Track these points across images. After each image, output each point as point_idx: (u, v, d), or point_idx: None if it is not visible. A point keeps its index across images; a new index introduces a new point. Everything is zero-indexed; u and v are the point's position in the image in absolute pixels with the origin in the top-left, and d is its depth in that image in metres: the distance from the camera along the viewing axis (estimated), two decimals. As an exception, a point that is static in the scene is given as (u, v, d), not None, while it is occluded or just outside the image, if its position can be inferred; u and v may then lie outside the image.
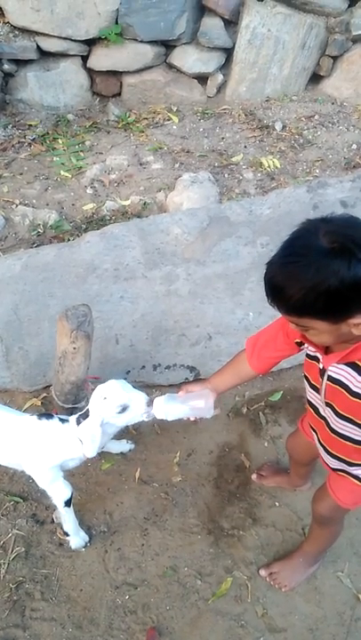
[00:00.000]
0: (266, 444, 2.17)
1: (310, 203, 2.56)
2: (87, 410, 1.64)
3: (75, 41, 3.56)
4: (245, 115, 3.73)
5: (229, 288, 2.44)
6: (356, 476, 1.42)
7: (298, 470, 1.91)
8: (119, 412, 1.58)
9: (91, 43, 3.62)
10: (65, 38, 3.53)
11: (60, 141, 3.54)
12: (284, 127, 3.62)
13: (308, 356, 1.33)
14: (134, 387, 1.63)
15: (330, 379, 1.25)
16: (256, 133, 3.59)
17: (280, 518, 1.94)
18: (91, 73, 3.76)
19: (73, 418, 1.68)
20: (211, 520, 1.93)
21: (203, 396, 1.48)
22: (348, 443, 1.34)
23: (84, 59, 3.70)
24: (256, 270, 2.44)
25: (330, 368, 1.23)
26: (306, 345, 1.29)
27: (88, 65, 3.70)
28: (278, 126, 3.61)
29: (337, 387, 1.24)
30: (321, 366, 1.27)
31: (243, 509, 1.96)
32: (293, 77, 3.84)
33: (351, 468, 1.41)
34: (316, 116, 3.70)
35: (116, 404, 1.58)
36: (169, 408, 1.49)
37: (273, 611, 1.72)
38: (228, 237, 2.55)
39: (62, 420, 1.70)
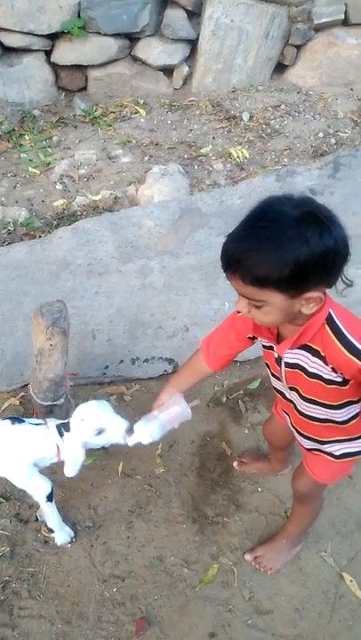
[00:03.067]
0: (246, 432, 2.19)
1: (280, 191, 2.58)
2: (68, 422, 1.65)
3: (37, 35, 3.52)
4: (212, 106, 3.74)
5: (204, 279, 2.46)
6: (329, 453, 1.46)
7: (277, 455, 1.94)
8: (95, 435, 1.60)
9: (54, 37, 3.58)
10: (27, 33, 3.48)
11: (26, 137, 3.49)
12: (251, 117, 3.64)
13: (263, 346, 1.35)
14: (116, 412, 1.63)
15: (287, 365, 1.29)
16: (224, 124, 3.60)
17: (263, 503, 1.96)
18: (55, 68, 3.72)
19: (53, 424, 1.67)
20: (195, 509, 1.95)
21: (175, 403, 1.50)
22: (315, 423, 1.38)
23: (48, 53, 3.66)
24: (229, 260, 2.45)
25: (285, 355, 1.26)
26: (259, 338, 1.32)
27: (52, 59, 3.66)
28: (246, 116, 3.63)
29: (295, 370, 1.27)
30: (276, 355, 1.29)
31: (226, 496, 1.98)
32: (258, 67, 3.86)
33: (324, 446, 1.46)
34: (283, 106, 3.73)
35: (92, 428, 1.59)
36: (150, 429, 1.51)
37: (259, 593, 1.75)
38: (200, 229, 2.57)
39: (36, 424, 1.69)
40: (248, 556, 1.81)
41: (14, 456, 1.66)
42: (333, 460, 1.46)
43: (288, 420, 1.53)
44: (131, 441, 1.56)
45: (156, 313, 2.40)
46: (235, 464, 2.06)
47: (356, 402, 1.33)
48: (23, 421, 1.69)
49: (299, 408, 1.39)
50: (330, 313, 1.17)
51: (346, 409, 1.33)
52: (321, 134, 3.52)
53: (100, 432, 1.60)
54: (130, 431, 1.57)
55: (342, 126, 3.57)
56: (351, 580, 1.78)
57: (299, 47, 3.87)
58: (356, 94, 3.84)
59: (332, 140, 3.47)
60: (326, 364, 1.21)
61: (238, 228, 1.09)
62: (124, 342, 2.34)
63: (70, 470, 1.65)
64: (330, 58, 3.80)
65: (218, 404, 2.28)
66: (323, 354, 1.20)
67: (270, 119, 3.63)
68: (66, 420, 1.66)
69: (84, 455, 1.65)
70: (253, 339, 1.36)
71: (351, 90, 3.88)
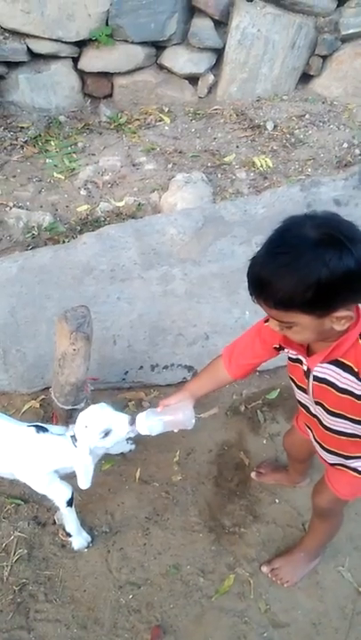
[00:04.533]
0: (264, 442, 2.19)
1: (304, 202, 2.58)
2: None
3: (65, 43, 3.56)
4: (237, 115, 3.75)
5: (225, 287, 2.45)
6: (354, 469, 1.45)
7: (296, 467, 1.93)
8: (102, 438, 1.61)
9: (81, 44, 3.63)
10: (55, 40, 3.53)
11: (52, 143, 3.53)
12: (275, 127, 3.64)
13: (290, 359, 1.34)
14: (115, 408, 1.65)
15: (316, 379, 1.27)
16: (248, 133, 3.60)
17: (280, 515, 1.95)
18: (82, 74, 3.76)
19: (69, 434, 1.68)
20: (212, 518, 1.94)
21: (181, 409, 1.49)
22: (342, 437, 1.36)
23: (75, 60, 3.70)
24: (252, 269, 2.45)
25: (315, 368, 1.25)
26: (287, 349, 1.31)
27: (79, 66, 3.71)
28: (270, 126, 3.63)
29: (324, 385, 1.26)
30: (305, 368, 1.28)
31: (243, 507, 1.98)
32: (284, 77, 3.86)
33: (348, 462, 1.44)
34: (307, 116, 3.73)
35: (97, 431, 1.60)
36: (150, 424, 1.51)
37: (276, 606, 1.74)
38: (223, 237, 2.57)
39: (59, 434, 1.70)
40: (265, 568, 1.80)
41: (36, 463, 1.67)
42: (358, 475, 1.44)
43: (311, 435, 1.51)
44: (133, 431, 1.58)
45: (176, 320, 2.41)
46: (253, 474, 2.05)
47: None
48: (47, 430, 1.70)
49: (324, 423, 1.37)
50: None
51: None
52: (345, 145, 3.51)
53: (106, 433, 1.60)
54: (132, 422, 1.58)
55: (367, 137, 3.56)
56: (369, 597, 1.76)
57: (325, 57, 3.87)
58: (381, 106, 3.83)
59: (357, 151, 3.46)
60: (359, 380, 1.20)
61: (260, 253, 1.10)
62: (144, 348, 2.34)
63: (83, 482, 1.64)
64: (356, 69, 3.79)
65: (236, 414, 2.28)
66: (356, 369, 1.19)
67: (294, 129, 3.63)
68: (71, 433, 1.66)
69: (92, 464, 1.65)
70: (280, 349, 1.35)
71: (376, 101, 3.87)
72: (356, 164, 3.23)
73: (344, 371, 1.20)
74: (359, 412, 1.27)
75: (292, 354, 1.31)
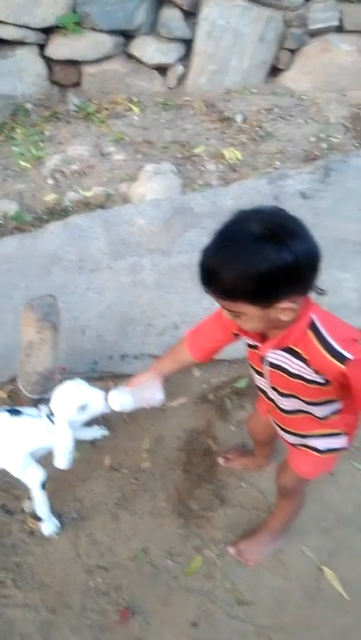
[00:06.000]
0: (232, 429, 2.23)
1: (271, 194, 2.63)
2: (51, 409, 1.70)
3: (31, 29, 3.52)
4: (206, 106, 3.77)
5: (195, 278, 2.43)
6: (313, 448, 1.51)
7: (261, 450, 1.99)
8: (79, 412, 1.66)
9: (48, 31, 3.59)
10: (21, 26, 3.49)
11: (18, 131, 3.50)
12: (244, 119, 3.68)
13: (248, 345, 1.40)
14: (90, 384, 1.71)
15: (270, 364, 1.34)
16: (217, 125, 3.63)
17: (247, 498, 2.00)
18: (49, 62, 3.72)
19: (44, 414, 1.72)
20: (180, 502, 1.98)
21: (149, 386, 1.58)
22: (297, 416, 1.43)
23: (42, 47, 3.66)
24: (219, 259, 2.49)
25: (268, 354, 1.31)
26: (243, 336, 1.37)
27: (46, 53, 3.67)
28: (239, 118, 3.67)
29: (277, 371, 1.33)
30: (261, 354, 1.34)
31: (211, 491, 2.02)
32: (253, 70, 3.90)
33: (308, 441, 1.51)
34: (276, 109, 3.78)
35: (75, 405, 1.65)
36: (122, 400, 1.60)
37: (241, 585, 1.79)
38: (192, 228, 2.60)
39: (33, 416, 1.74)
40: (231, 549, 1.85)
41: (12, 446, 1.70)
42: (318, 454, 1.51)
43: (271, 419, 1.58)
44: (107, 406, 1.65)
45: (146, 310, 2.43)
46: (220, 460, 2.10)
47: (337, 400, 1.38)
48: (21, 413, 1.72)
49: (280, 405, 1.44)
50: (312, 318, 1.23)
51: (326, 406, 1.39)
52: (313, 139, 3.57)
53: (83, 408, 1.65)
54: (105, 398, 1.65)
55: (334, 131, 3.63)
56: (331, 574, 1.83)
57: (293, 51, 3.92)
58: (348, 100, 3.90)
59: (324, 145, 3.52)
60: (309, 367, 1.27)
61: (209, 245, 1.16)
62: (113, 338, 2.36)
63: (62, 460, 1.68)
64: (323, 63, 3.86)
65: (205, 402, 2.32)
66: (305, 357, 1.25)
67: (263, 122, 3.67)
68: (48, 409, 1.71)
69: (72, 440, 1.68)
70: (238, 335, 1.41)
71: (344, 95, 3.93)
72: (322, 157, 3.29)
73: (295, 357, 1.27)
74: (310, 395, 1.35)
75: (250, 340, 1.36)
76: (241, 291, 1.12)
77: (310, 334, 1.23)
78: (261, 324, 1.21)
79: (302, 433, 1.50)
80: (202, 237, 2.58)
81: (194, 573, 1.81)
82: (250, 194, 2.64)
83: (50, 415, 1.69)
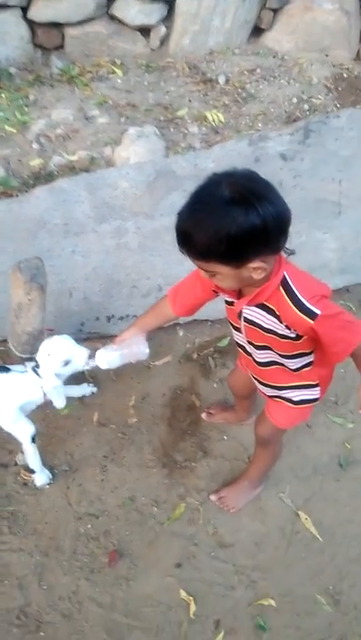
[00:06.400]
0: (215, 386, 2.33)
1: (252, 156, 2.66)
2: (37, 361, 1.80)
3: (13, -10, 3.46)
4: (189, 68, 3.74)
5: (177, 240, 2.54)
6: (288, 399, 1.61)
7: (241, 404, 2.09)
8: (63, 366, 1.76)
9: (30, -8, 3.52)
10: (2, -13, 3.42)
11: (2, 95, 3.46)
12: (227, 81, 3.66)
13: (226, 302, 1.48)
14: (77, 341, 1.81)
15: (245, 320, 1.42)
16: (200, 87, 3.62)
17: (228, 450, 2.12)
18: (32, 25, 3.66)
19: (29, 369, 1.81)
20: (165, 455, 2.09)
21: (135, 342, 1.66)
22: (272, 367, 1.52)
23: (24, 10, 3.59)
24: (202, 222, 2.54)
25: (244, 310, 1.40)
26: (221, 293, 1.44)
27: (28, 16, 3.60)
28: (222, 80, 3.65)
29: (252, 326, 1.42)
30: (237, 311, 1.42)
31: (194, 444, 2.13)
32: (235, 30, 3.85)
33: (283, 392, 1.60)
34: (259, 70, 3.75)
35: (59, 360, 1.74)
36: (109, 358, 1.68)
37: (222, 529, 1.92)
38: (174, 191, 2.63)
39: (21, 372, 1.82)
40: (213, 497, 1.96)
41: (3, 401, 1.78)
42: (292, 405, 1.61)
43: (250, 373, 1.67)
44: (90, 364, 1.75)
45: (130, 273, 2.49)
46: (203, 415, 2.20)
47: (310, 353, 1.47)
48: (9, 370, 1.80)
49: (256, 359, 1.53)
50: (285, 276, 1.30)
51: (299, 359, 1.48)
52: (295, 100, 3.57)
53: (67, 363, 1.75)
54: (91, 357, 1.74)
55: (316, 92, 3.62)
56: (306, 518, 1.96)
57: (276, 11, 3.86)
58: (330, 60, 3.88)
59: (306, 106, 3.53)
60: (281, 322, 1.34)
61: (183, 208, 1.21)
62: (99, 300, 2.43)
63: (58, 401, 1.81)
64: (306, 23, 3.82)
65: (189, 361, 2.40)
66: (277, 313, 1.33)
67: (246, 83, 3.66)
68: (36, 363, 1.80)
69: (61, 384, 1.80)
70: (216, 292, 1.48)
71: (326, 56, 3.90)
72: (303, 119, 3.31)
73: (268, 313, 1.35)
74: (283, 348, 1.44)
75: (226, 297, 1.43)
76: (213, 252, 1.18)
77: (282, 291, 1.30)
78: (235, 282, 1.28)
79: (278, 385, 1.59)
80: (184, 200, 2.62)
81: (178, 519, 1.93)
82: (231, 156, 2.66)
83: (35, 368, 1.78)
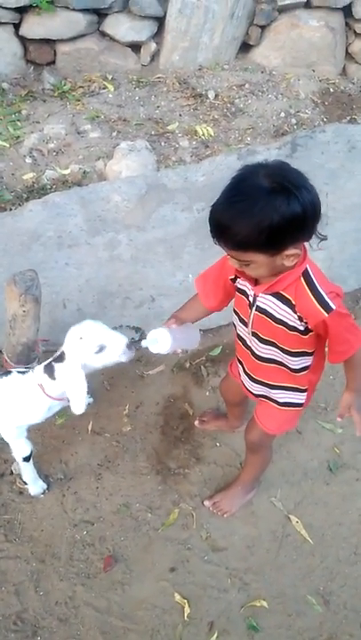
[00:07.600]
0: (207, 394, 2.38)
1: (241, 169, 2.73)
2: (62, 353, 1.58)
3: (5, 8, 3.53)
4: (179, 83, 3.83)
5: (169, 252, 2.60)
6: (274, 400, 1.65)
7: (233, 411, 2.14)
8: (96, 353, 1.52)
9: (22, 10, 3.60)
10: (-5, 5, 3.49)
11: (-5, 111, 3.53)
12: (216, 96, 3.74)
13: (238, 290, 1.51)
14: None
15: (258, 309, 1.45)
16: (190, 102, 3.70)
17: (220, 456, 2.16)
18: (24, 41, 3.74)
19: (40, 367, 1.67)
20: (159, 462, 2.13)
21: (188, 328, 1.59)
22: (270, 365, 1.56)
23: (17, 27, 3.67)
24: (194, 234, 2.61)
25: (258, 299, 1.42)
26: (238, 280, 1.48)
27: (20, 33, 3.68)
28: (211, 95, 3.74)
29: (263, 316, 1.44)
30: (251, 299, 1.45)
31: (187, 451, 2.17)
32: (224, 46, 3.95)
33: (271, 392, 1.64)
34: (247, 85, 3.84)
35: (93, 344, 1.52)
36: (162, 341, 1.49)
37: (215, 534, 1.96)
38: (165, 204, 2.70)
39: (22, 373, 1.78)
40: (207, 502, 2.01)
41: (9, 414, 1.77)
42: (277, 406, 1.65)
43: (241, 370, 1.69)
44: (128, 354, 1.57)
45: (123, 284, 2.55)
46: (196, 422, 2.25)
47: (311, 354, 1.51)
48: (10, 373, 1.79)
49: (256, 352, 1.55)
50: (307, 268, 1.35)
51: (300, 358, 1.51)
52: (283, 114, 3.66)
53: (101, 349, 1.53)
54: (130, 347, 1.56)
55: (303, 107, 3.72)
56: (297, 521, 2.00)
57: (263, 27, 3.96)
58: (317, 75, 3.98)
59: (293, 121, 3.62)
60: (294, 312, 1.39)
61: (220, 200, 1.25)
62: (93, 311, 2.48)
63: (78, 402, 1.56)
64: (293, 39, 3.92)
65: (182, 370, 2.45)
66: (293, 302, 1.37)
67: (235, 98, 3.75)
68: (50, 359, 1.63)
69: (86, 382, 1.57)
70: (234, 280, 1.50)
71: (313, 71, 4.00)
72: (291, 133, 3.39)
73: (283, 303, 1.39)
74: (290, 343, 1.47)
75: (241, 284, 1.47)
76: (253, 242, 1.22)
77: (303, 281, 1.35)
78: (268, 270, 1.31)
79: (269, 383, 1.62)
80: (175, 212, 2.69)
81: (172, 524, 1.97)
82: (221, 170, 2.74)
83: (52, 362, 1.57)
